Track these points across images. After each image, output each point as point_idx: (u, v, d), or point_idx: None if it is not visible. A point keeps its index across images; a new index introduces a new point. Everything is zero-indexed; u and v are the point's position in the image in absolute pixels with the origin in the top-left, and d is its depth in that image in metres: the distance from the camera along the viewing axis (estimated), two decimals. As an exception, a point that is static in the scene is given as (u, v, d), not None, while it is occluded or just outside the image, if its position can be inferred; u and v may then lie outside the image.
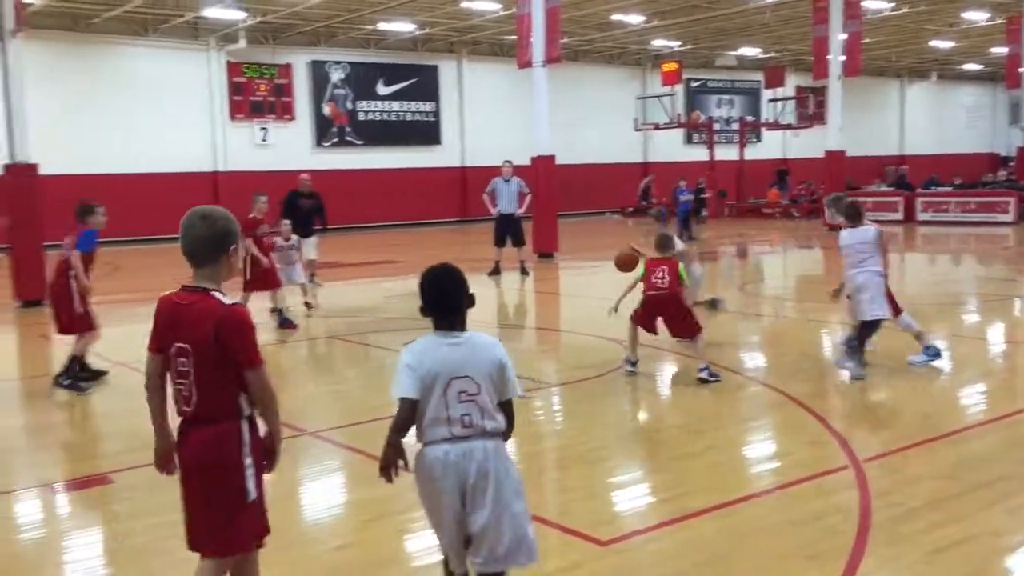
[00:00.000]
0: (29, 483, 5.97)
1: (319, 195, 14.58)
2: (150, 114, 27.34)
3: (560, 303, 14.98)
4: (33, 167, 14.25)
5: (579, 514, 4.96)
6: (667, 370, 8.70)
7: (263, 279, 11.27)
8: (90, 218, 8.22)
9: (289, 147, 30.18)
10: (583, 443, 6.46)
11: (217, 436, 3.28)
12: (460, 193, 33.16)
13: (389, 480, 3.34)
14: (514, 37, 22.11)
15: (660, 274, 8.02)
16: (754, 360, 9.36)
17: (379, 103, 32.36)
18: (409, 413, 3.32)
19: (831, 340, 9.78)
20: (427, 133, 33.42)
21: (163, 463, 3.51)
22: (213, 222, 3.33)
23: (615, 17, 29.34)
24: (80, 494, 5.69)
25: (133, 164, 26.77)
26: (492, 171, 32.41)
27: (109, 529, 5.11)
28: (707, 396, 7.55)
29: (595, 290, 15.36)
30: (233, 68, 29.27)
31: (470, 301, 3.44)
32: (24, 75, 14.31)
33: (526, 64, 19.69)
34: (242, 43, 28.43)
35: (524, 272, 16.51)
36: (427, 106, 33.38)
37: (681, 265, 8.14)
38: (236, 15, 26.26)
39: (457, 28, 30.94)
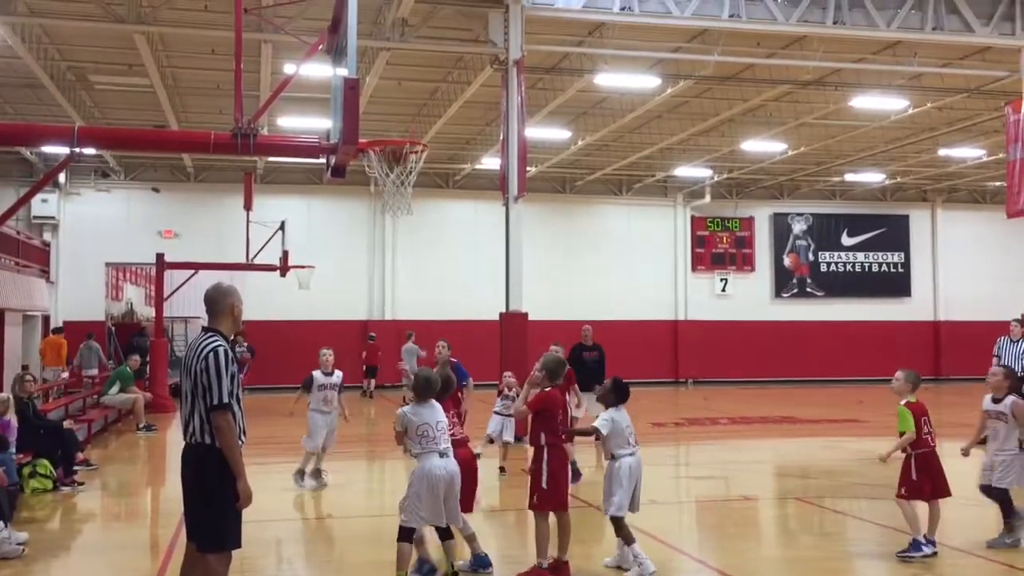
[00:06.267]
0: None
1: (601, 348, 14.12)
2: (620, 266, 29.55)
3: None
4: (524, 315, 15.95)
5: None
6: None
7: None
8: None
9: (748, 297, 30.62)
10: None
11: None
12: (932, 349, 30.68)
13: None
14: (999, 183, 20.39)
15: None
16: None
17: (842, 254, 31.58)
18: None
19: None
20: (895, 284, 31.75)
21: None
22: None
23: None
24: None
25: (604, 312, 28.82)
26: (968, 326, 29.79)
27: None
28: None
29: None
30: (697, 222, 30.70)
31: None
32: (521, 233, 16.32)
33: (1017, 213, 17.96)
34: (707, 199, 29.85)
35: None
36: (895, 256, 31.83)
37: None
38: (704, 172, 27.73)
39: (932, 176, 29.38)
